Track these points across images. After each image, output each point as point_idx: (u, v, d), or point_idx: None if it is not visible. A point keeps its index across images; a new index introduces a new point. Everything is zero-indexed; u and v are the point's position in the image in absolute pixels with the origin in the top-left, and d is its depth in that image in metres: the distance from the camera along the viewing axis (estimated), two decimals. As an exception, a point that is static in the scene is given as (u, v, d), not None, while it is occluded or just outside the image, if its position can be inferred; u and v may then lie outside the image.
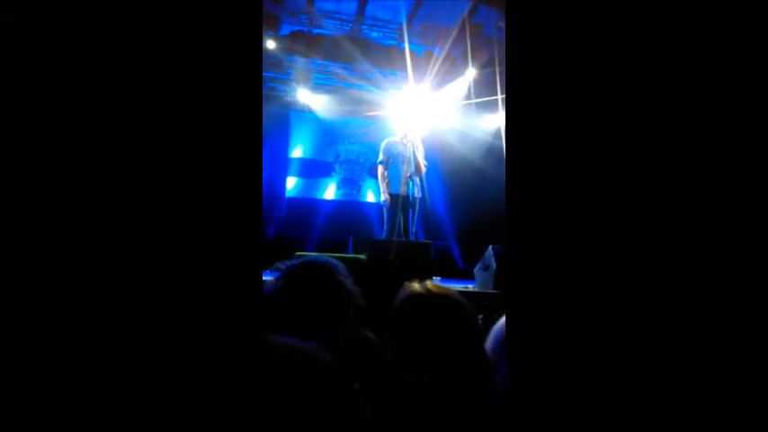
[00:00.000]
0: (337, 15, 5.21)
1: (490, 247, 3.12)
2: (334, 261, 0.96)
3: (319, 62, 5.52)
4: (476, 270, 3.35)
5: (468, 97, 5.63)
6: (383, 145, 3.79)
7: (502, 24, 5.12)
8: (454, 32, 5.28)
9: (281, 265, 0.91)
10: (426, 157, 3.83)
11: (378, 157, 3.81)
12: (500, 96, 5.44)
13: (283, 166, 6.15)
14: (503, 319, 1.06)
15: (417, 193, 3.67)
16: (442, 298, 0.91)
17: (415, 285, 0.94)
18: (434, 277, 3.15)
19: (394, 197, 3.65)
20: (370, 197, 6.29)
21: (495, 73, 5.50)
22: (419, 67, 5.43)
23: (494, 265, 2.99)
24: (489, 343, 1.03)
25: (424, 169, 3.71)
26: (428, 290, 0.93)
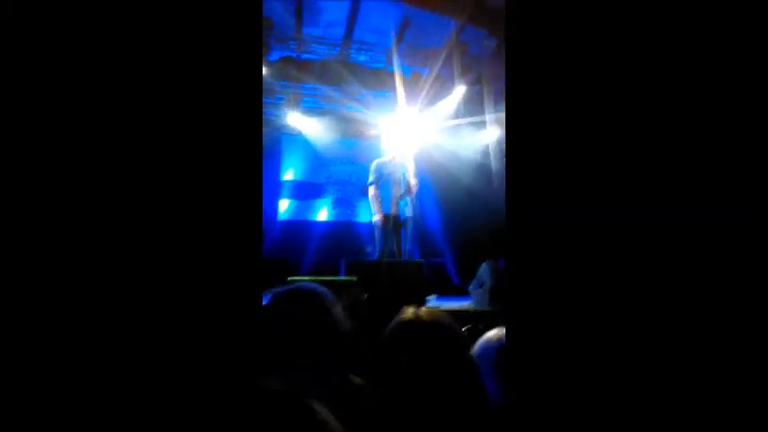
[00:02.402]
0: (325, 40, 5.30)
1: (483, 263, 3.12)
2: (321, 288, 0.97)
3: (309, 86, 5.60)
4: (471, 288, 3.35)
5: (456, 116, 5.71)
6: (373, 166, 3.82)
7: (489, 43, 5.23)
8: (442, 53, 5.38)
9: (271, 292, 0.92)
10: (417, 176, 3.86)
11: (368, 177, 3.83)
12: (487, 115, 5.53)
13: (275, 188, 6.17)
14: (487, 335, 1.06)
15: (409, 213, 3.68)
16: (432, 324, 0.92)
17: (408, 312, 0.94)
18: (430, 295, 3.14)
19: (385, 217, 3.66)
20: (364, 217, 6.31)
21: (482, 91, 5.59)
22: (407, 88, 5.51)
23: (487, 281, 2.99)
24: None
25: (415, 189, 3.73)
26: (418, 316, 0.93)
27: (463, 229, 5.97)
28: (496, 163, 5.49)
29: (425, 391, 0.87)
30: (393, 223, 3.62)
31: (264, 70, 5.14)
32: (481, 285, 3.25)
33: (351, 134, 6.04)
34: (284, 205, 6.21)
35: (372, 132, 5.69)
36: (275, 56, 5.32)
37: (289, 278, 2.33)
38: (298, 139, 6.11)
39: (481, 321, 2.32)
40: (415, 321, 0.95)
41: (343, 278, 2.39)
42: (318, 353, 0.83)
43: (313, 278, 2.26)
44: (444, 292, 4.30)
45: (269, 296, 0.93)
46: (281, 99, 5.71)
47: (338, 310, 0.94)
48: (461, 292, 4.61)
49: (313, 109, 5.95)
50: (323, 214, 6.31)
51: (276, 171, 6.20)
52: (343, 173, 6.42)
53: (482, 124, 5.70)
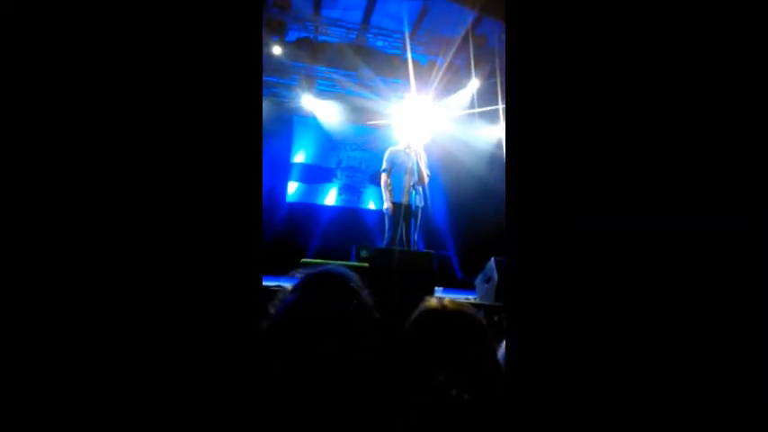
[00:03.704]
0: (343, 23, 5.25)
1: (492, 259, 3.13)
2: (349, 271, 0.97)
3: (324, 69, 5.56)
4: (477, 282, 3.35)
5: (470, 107, 5.67)
6: (387, 154, 3.81)
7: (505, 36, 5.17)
8: (457, 43, 5.32)
9: (298, 275, 0.92)
10: (428, 167, 3.85)
11: (381, 165, 3.82)
12: (502, 107, 5.49)
13: (285, 170, 6.16)
14: None
15: (419, 203, 3.68)
16: (458, 314, 0.94)
17: (432, 301, 0.97)
18: (435, 287, 3.15)
19: (396, 206, 3.66)
20: (371, 204, 6.31)
21: (497, 83, 5.55)
22: (422, 77, 5.47)
23: (495, 277, 3.00)
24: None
25: (426, 179, 3.72)
26: (444, 305, 0.95)
27: (470, 222, 5.96)
28: (508, 157, 5.46)
29: (450, 376, 0.88)
30: (404, 212, 3.62)
31: (280, 50, 5.09)
32: (488, 281, 3.26)
33: (363, 120, 6.01)
34: (293, 187, 6.21)
35: (385, 120, 5.66)
36: (292, 36, 5.27)
37: (301, 260, 2.34)
38: (310, 121, 6.08)
39: (492, 314, 2.33)
40: (441, 310, 0.97)
41: (355, 263, 2.40)
42: (347, 335, 0.84)
43: (326, 262, 2.27)
44: (447, 286, 4.31)
45: (299, 277, 0.94)
46: (295, 80, 5.67)
47: (366, 293, 0.94)
48: (464, 286, 4.63)
49: (327, 92, 5.91)
50: (330, 199, 6.31)
51: (287, 153, 6.19)
52: (353, 159, 6.41)
53: (495, 117, 5.67)
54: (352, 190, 6.38)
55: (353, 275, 0.97)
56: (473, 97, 5.62)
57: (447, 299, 1.05)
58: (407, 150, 3.72)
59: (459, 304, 1.01)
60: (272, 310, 0.88)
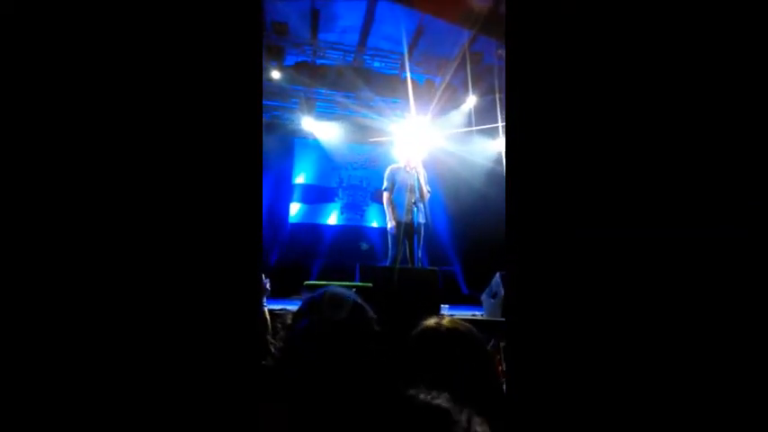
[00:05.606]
0: (340, 46, 5.34)
1: (497, 274, 3.10)
2: (348, 290, 0.97)
3: (323, 91, 5.64)
4: (483, 297, 3.32)
5: (468, 124, 5.72)
6: (387, 172, 3.82)
7: (501, 53, 5.25)
8: (455, 62, 5.41)
9: (304, 298, 0.92)
10: (429, 184, 3.85)
11: (382, 183, 3.83)
12: (500, 123, 5.54)
13: (287, 191, 6.20)
14: None
15: (422, 220, 3.67)
16: (453, 332, 0.96)
17: (431, 321, 0.99)
18: (441, 305, 3.12)
19: (398, 224, 3.65)
20: (374, 223, 6.31)
21: (495, 100, 5.61)
22: (420, 96, 5.54)
23: (501, 292, 2.97)
24: None
25: (427, 196, 3.73)
26: (439, 323, 0.99)
27: (473, 237, 5.95)
28: (509, 172, 5.49)
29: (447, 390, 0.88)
30: (405, 230, 3.61)
31: (279, 75, 5.18)
32: (494, 296, 3.23)
33: (363, 140, 6.07)
34: (295, 208, 6.23)
35: (384, 138, 5.72)
36: (291, 61, 5.37)
37: (305, 283, 2.32)
38: (310, 143, 6.14)
39: (495, 332, 2.30)
40: (436, 329, 0.99)
41: (358, 283, 2.38)
42: (355, 355, 0.83)
43: (329, 283, 2.25)
44: (454, 302, 4.28)
45: (302, 300, 0.93)
46: (295, 103, 5.75)
47: (371, 313, 0.93)
48: (471, 302, 4.59)
49: (326, 114, 5.99)
50: (332, 218, 6.32)
51: (288, 174, 6.24)
52: (354, 178, 6.44)
53: (494, 133, 5.71)
54: (354, 208, 6.40)
55: (352, 294, 0.96)
56: (471, 114, 5.67)
57: (447, 318, 1.06)
58: (407, 168, 3.73)
59: (456, 322, 1.02)
60: (277, 340, 0.87)
